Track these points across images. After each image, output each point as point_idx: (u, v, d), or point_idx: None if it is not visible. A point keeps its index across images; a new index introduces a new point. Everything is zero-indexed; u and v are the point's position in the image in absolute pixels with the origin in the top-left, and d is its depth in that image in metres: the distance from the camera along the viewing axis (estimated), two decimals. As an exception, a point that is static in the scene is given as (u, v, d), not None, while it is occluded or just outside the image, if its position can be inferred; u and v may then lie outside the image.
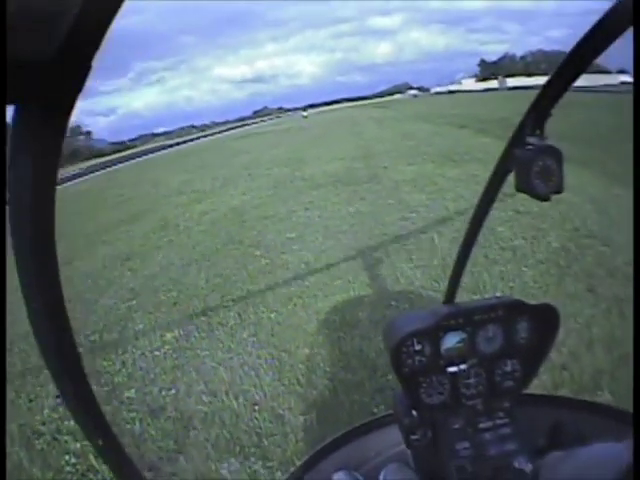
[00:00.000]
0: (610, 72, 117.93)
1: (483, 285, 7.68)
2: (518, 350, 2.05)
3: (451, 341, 1.97)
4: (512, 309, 2.00)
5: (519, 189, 1.66)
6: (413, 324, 1.95)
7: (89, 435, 1.27)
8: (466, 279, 7.39)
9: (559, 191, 1.63)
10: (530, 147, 1.64)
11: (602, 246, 8.68)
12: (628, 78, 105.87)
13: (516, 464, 1.71)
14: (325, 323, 7.36)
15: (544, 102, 1.62)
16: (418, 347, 1.94)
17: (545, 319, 2.02)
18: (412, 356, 1.95)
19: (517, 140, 1.73)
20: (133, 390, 6.49)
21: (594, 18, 1.20)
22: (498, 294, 7.09)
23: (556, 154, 1.61)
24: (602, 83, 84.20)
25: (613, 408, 2.31)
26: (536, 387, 4.19)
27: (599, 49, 1.31)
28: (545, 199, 1.62)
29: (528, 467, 1.68)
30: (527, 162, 1.60)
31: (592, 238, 9.14)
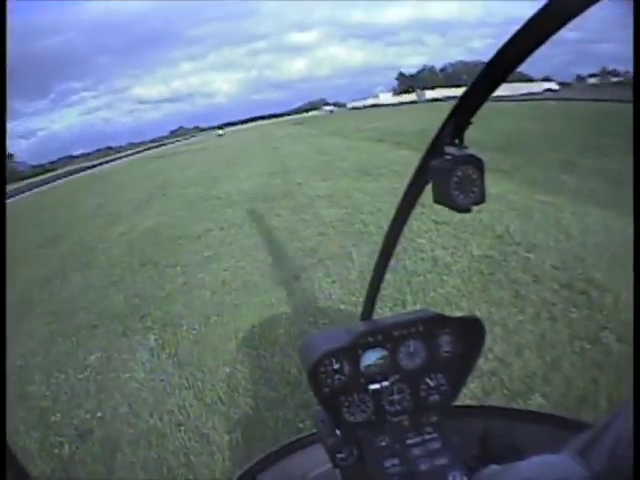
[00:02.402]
0: (534, 80, 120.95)
1: (403, 297, 7.74)
2: (442, 364, 2.06)
3: (371, 358, 1.98)
4: (433, 323, 2.01)
5: (437, 201, 1.60)
6: (329, 343, 1.95)
7: None
8: (385, 291, 7.44)
9: (480, 202, 1.57)
10: (449, 157, 1.58)
11: (527, 252, 8.87)
12: (553, 85, 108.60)
13: (451, 478, 1.72)
14: (245, 341, 7.35)
15: (463, 110, 1.56)
16: (336, 366, 1.94)
17: (469, 331, 2.04)
18: (331, 375, 1.94)
19: (434, 150, 1.66)
20: (59, 414, 6.42)
21: (517, 27, 1.18)
22: (418, 306, 7.16)
23: (477, 163, 1.55)
24: (525, 91, 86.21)
25: (544, 414, 2.33)
26: (465, 395, 4.22)
27: (519, 58, 1.27)
28: (465, 211, 1.56)
29: None
30: (446, 173, 1.53)
31: (516, 245, 9.33)
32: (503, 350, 5.87)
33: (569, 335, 6.05)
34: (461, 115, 1.55)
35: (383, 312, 6.73)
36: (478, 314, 5.51)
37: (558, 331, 6.19)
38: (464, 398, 4.16)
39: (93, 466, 5.30)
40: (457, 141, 1.58)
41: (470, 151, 1.56)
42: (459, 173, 1.51)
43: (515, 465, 1.26)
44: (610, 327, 6.13)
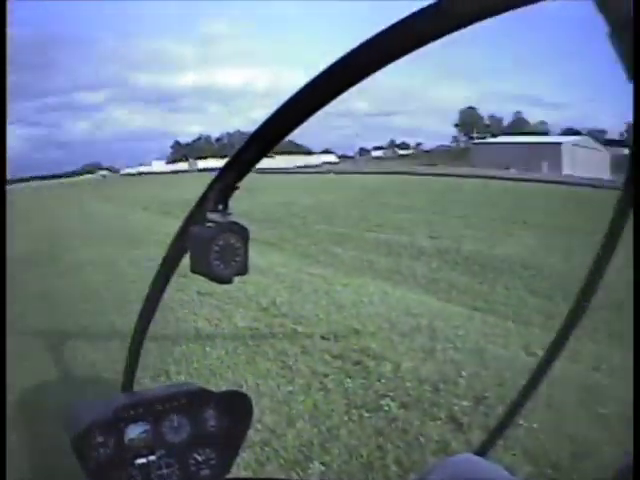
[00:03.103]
0: (313, 153, 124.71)
1: (166, 367, 7.68)
2: (210, 438, 2.06)
3: (134, 432, 1.96)
4: (195, 397, 2.04)
5: (195, 270, 1.52)
6: (91, 415, 1.92)
7: None
8: (147, 361, 7.47)
9: (243, 273, 1.53)
10: (211, 224, 1.51)
11: (294, 324, 9.12)
12: (332, 158, 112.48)
13: None
14: (11, 409, 6.85)
15: (229, 174, 1.50)
16: (100, 439, 1.89)
17: (234, 405, 2.07)
18: (96, 448, 1.89)
19: (196, 216, 1.59)
20: None
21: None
22: (182, 377, 7.23)
23: (241, 232, 1.51)
24: (303, 164, 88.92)
25: None
26: (238, 466, 4.21)
27: (286, 128, 1.29)
28: (226, 282, 1.50)
29: None
30: (206, 240, 1.47)
31: (283, 317, 9.60)
32: (274, 420, 5.91)
33: (345, 404, 6.20)
34: (226, 179, 1.51)
35: (145, 382, 6.75)
36: (244, 385, 5.57)
37: (333, 401, 6.33)
38: (238, 469, 4.15)
39: None
40: (221, 207, 1.53)
41: (234, 218, 1.52)
42: (221, 241, 1.47)
43: None
44: (391, 395, 6.32)
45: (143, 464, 1.99)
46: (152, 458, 2.00)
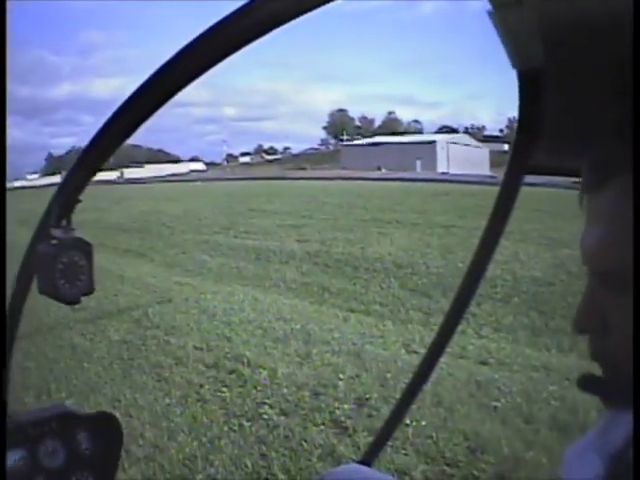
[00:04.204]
0: (181, 160, 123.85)
1: (47, 385, 7.40)
2: (86, 462, 1.95)
3: (12, 459, 1.79)
4: (66, 421, 1.92)
5: (43, 292, 1.47)
6: None
7: None
8: (29, 380, 7.17)
9: (89, 292, 1.49)
10: (55, 241, 1.45)
11: (166, 335, 9.16)
12: (199, 166, 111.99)
13: None
14: None
15: (69, 188, 1.47)
16: None
17: (105, 427, 1.98)
18: None
19: (41, 234, 1.51)
20: None
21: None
22: (63, 394, 7.03)
23: (84, 248, 1.47)
24: (171, 172, 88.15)
25: None
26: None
27: (120, 136, 1.32)
28: (73, 302, 1.48)
29: None
30: (50, 259, 1.42)
31: (155, 328, 9.61)
32: (155, 434, 5.86)
33: (224, 414, 6.21)
34: (67, 193, 1.47)
35: (29, 402, 6.59)
36: (123, 400, 5.48)
37: (211, 411, 6.34)
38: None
39: None
40: (65, 222, 1.47)
41: (78, 234, 1.47)
42: (65, 259, 1.42)
43: None
44: (269, 402, 6.35)
45: None
46: None
